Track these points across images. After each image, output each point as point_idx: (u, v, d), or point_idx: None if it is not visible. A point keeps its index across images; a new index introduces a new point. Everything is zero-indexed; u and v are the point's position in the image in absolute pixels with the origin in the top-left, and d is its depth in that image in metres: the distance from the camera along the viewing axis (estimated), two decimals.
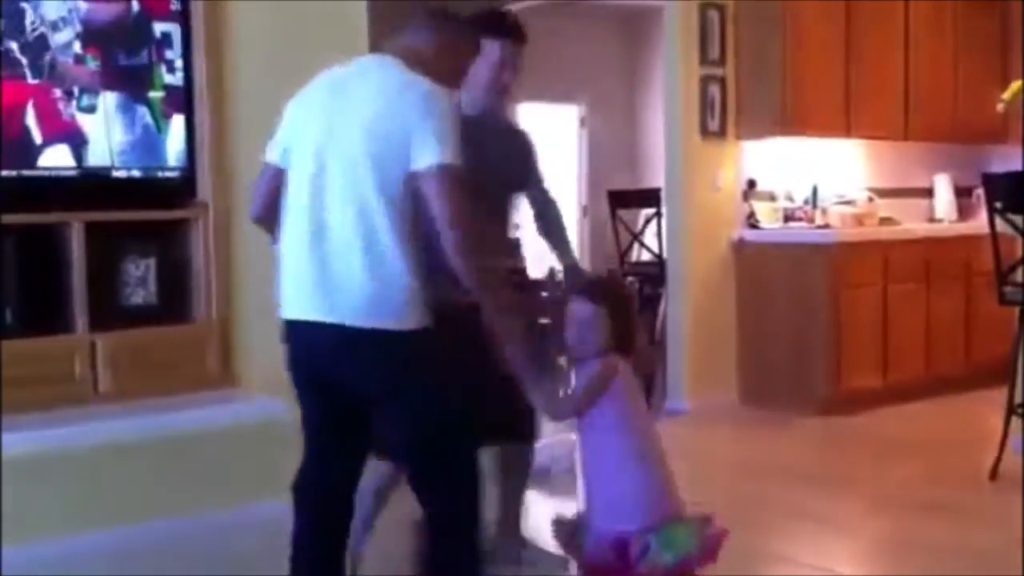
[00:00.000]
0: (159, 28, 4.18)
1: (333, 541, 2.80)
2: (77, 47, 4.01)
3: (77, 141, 4.03)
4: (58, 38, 3.96)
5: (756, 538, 3.89)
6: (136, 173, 4.17)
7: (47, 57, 3.94)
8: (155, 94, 4.19)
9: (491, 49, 3.28)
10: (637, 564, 2.59)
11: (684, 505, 2.73)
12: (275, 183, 2.76)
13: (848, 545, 4.12)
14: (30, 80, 3.91)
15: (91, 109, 4.04)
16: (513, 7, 8.32)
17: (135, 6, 4.12)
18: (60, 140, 3.99)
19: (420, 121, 2.50)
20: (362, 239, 2.52)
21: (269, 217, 2.80)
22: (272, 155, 2.79)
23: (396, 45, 2.73)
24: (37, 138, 3.94)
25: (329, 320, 2.55)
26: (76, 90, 4.00)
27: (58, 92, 3.96)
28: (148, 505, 4.01)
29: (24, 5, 3.89)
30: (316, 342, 2.61)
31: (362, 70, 2.71)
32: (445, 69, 2.71)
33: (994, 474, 4.68)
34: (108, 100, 4.08)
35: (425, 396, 2.59)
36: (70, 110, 4.00)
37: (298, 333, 2.65)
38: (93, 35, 4.03)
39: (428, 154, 2.49)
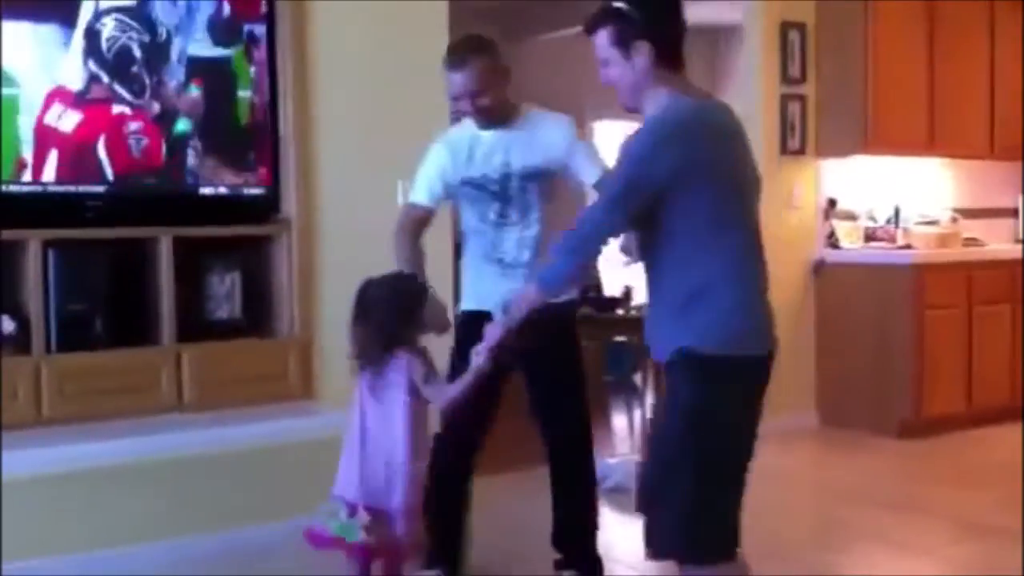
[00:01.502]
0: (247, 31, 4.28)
1: None
2: (180, 72, 4.13)
3: (166, 163, 4.15)
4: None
5: (837, 560, 3.85)
6: (222, 190, 4.27)
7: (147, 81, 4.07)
8: (242, 112, 4.29)
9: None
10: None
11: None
12: None
13: (927, 570, 4.05)
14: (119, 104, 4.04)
15: (183, 129, 4.16)
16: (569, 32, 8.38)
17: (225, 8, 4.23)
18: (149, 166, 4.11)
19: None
20: None
21: None
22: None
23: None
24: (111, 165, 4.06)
25: None
26: (165, 110, 4.12)
27: (151, 113, 4.08)
28: (229, 515, 4.09)
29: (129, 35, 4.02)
30: None
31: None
32: None
33: None
34: (195, 116, 4.19)
35: None
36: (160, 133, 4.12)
37: None
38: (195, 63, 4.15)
39: None
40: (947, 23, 6.47)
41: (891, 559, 4.08)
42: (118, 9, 4.00)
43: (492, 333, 2.86)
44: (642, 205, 2.59)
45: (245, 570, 3.88)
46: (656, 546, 2.65)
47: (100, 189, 4.01)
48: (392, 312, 2.97)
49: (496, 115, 3.42)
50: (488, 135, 3.45)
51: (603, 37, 2.72)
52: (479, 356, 2.89)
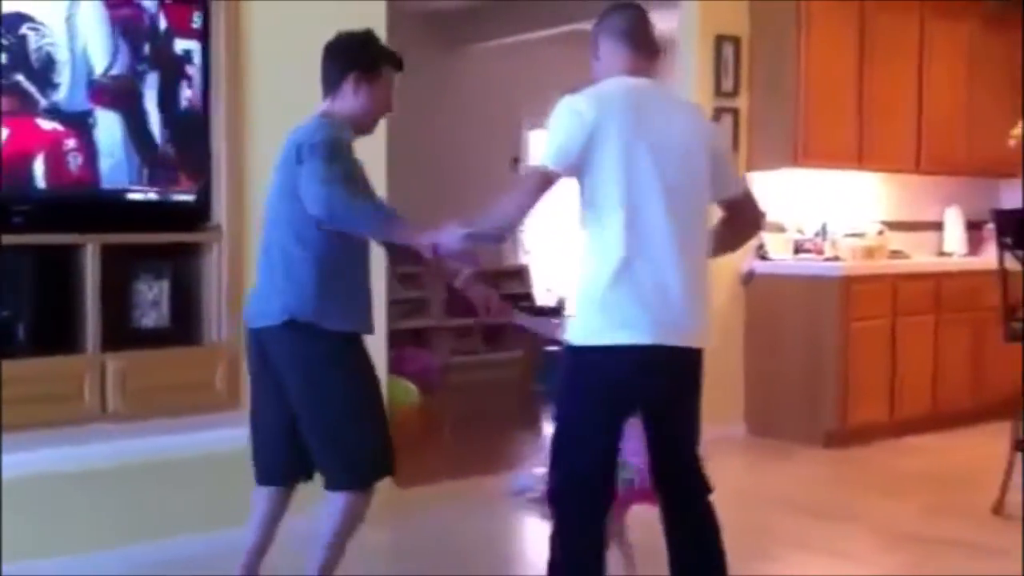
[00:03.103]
0: (180, 46, 4.23)
1: None
2: (99, 68, 4.06)
3: (93, 167, 4.08)
4: (83, 57, 4.02)
5: (763, 568, 3.89)
6: (152, 196, 4.21)
7: (60, 81, 3.99)
8: (173, 117, 4.24)
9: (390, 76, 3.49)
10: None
11: None
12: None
13: None
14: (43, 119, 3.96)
15: (107, 132, 4.09)
16: (521, 38, 8.43)
17: (161, 23, 4.17)
18: (81, 169, 4.05)
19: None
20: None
21: None
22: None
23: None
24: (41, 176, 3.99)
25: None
26: (94, 111, 4.05)
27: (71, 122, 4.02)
28: (153, 526, 4.04)
29: (32, 29, 3.95)
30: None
31: (656, 91, 2.96)
32: None
33: (999, 509, 4.67)
34: (118, 122, 4.13)
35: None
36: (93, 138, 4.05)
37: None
38: (115, 54, 4.08)
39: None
40: (878, 40, 6.59)
41: (817, 567, 4.13)
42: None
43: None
44: None
45: None
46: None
47: (27, 195, 3.94)
48: None
49: None
50: None
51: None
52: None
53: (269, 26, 4.48)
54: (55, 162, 3.98)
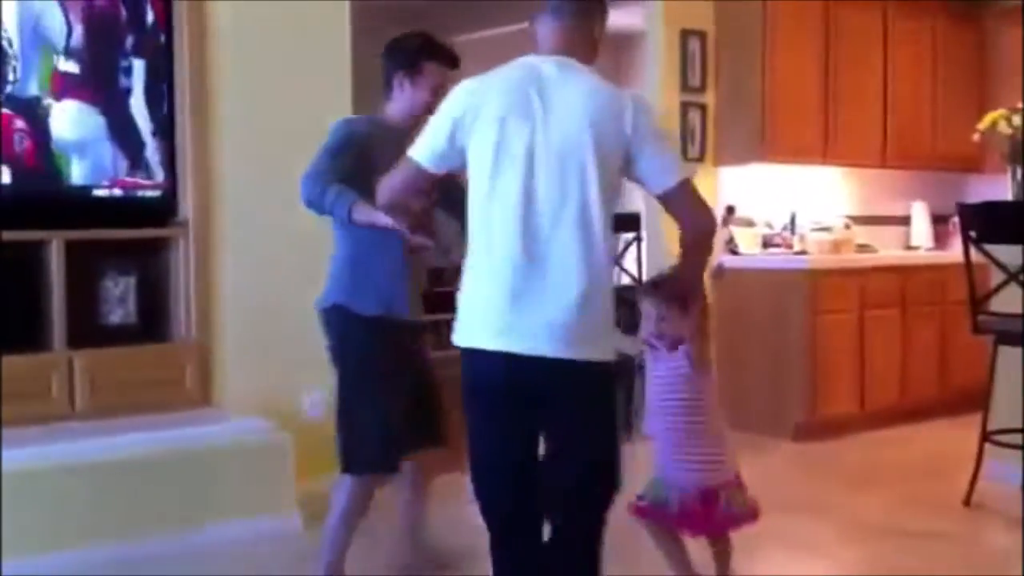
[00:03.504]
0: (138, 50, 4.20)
1: None
2: (59, 59, 4.02)
3: (56, 162, 4.04)
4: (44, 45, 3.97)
5: (733, 561, 3.89)
6: (117, 192, 4.17)
7: (15, 70, 3.95)
8: (136, 111, 4.21)
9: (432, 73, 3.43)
10: (721, 512, 3.30)
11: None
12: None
13: (823, 570, 4.13)
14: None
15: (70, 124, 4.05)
16: (492, 32, 8.38)
17: (123, 15, 4.13)
18: (41, 163, 4.00)
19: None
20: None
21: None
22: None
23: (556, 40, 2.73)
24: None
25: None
26: (52, 104, 4.01)
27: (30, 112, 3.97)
28: (122, 524, 3.99)
29: None
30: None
31: (558, 71, 2.65)
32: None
33: (968, 500, 4.71)
34: (88, 116, 4.09)
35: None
36: (49, 130, 4.01)
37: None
38: (76, 46, 4.04)
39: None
40: (843, 35, 6.63)
41: (787, 559, 4.15)
42: None
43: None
44: None
45: None
46: None
47: None
48: None
49: None
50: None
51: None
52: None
53: (234, 22, 4.45)
54: (11, 154, 3.93)
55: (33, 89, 3.99)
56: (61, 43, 4.02)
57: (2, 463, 3.60)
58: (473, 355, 2.62)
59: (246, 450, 4.12)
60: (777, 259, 6.44)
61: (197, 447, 4.09)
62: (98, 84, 4.11)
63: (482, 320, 2.59)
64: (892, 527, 4.49)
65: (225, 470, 4.11)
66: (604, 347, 2.62)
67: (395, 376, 3.36)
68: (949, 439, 5.90)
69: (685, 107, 6.30)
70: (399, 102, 3.43)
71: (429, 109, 3.07)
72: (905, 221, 7.53)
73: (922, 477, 5.31)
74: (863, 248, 6.89)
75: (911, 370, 6.56)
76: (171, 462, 4.08)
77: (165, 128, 4.28)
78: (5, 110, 3.92)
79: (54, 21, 4.00)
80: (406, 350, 3.42)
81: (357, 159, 3.23)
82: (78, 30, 4.05)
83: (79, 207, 4.10)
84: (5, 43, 3.91)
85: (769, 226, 6.69)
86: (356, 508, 3.37)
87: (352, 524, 3.40)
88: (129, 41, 4.17)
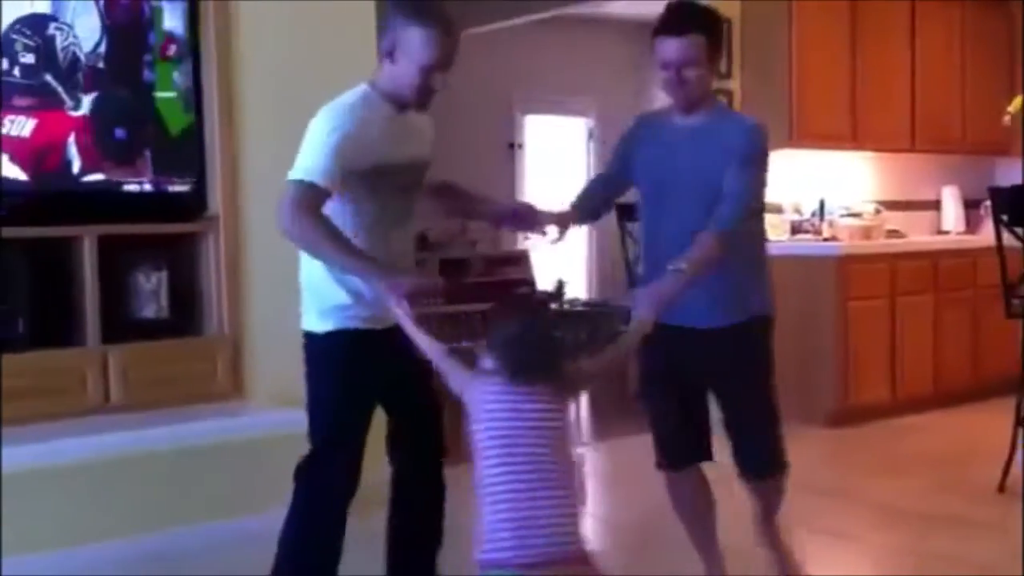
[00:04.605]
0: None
1: None
2: (87, 57, 4.06)
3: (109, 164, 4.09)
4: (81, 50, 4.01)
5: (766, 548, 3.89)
6: (147, 187, 4.21)
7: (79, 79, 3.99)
8: (167, 107, 4.24)
9: None
10: None
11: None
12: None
13: (855, 557, 4.12)
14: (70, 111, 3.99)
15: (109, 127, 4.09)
16: (519, 21, 8.38)
17: (146, 9, 4.16)
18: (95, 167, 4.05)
19: None
20: None
21: None
22: None
23: None
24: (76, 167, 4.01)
25: None
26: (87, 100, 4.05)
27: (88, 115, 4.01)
28: (156, 517, 4.04)
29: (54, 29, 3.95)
30: None
31: None
32: None
33: (1002, 486, 4.68)
34: (118, 111, 4.13)
35: None
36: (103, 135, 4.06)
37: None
38: (104, 40, 4.08)
39: None
40: (870, 18, 6.58)
41: (820, 546, 4.14)
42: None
43: (672, 287, 2.82)
44: None
45: (174, 571, 3.83)
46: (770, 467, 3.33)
47: (22, 187, 3.93)
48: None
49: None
50: (399, 117, 2.96)
51: (696, 39, 2.98)
52: (646, 309, 2.71)
53: (260, 16, 4.47)
54: (54, 154, 3.98)
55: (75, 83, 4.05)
56: (92, 38, 4.05)
57: (2, 463, 3.62)
58: None
59: (278, 442, 4.14)
60: (806, 245, 6.42)
61: (230, 439, 4.12)
62: (126, 79, 4.14)
63: None
64: (924, 513, 4.47)
65: (257, 462, 4.14)
66: None
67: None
68: (982, 425, 5.86)
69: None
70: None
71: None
72: (936, 206, 7.48)
73: (955, 463, 5.29)
74: (893, 234, 6.86)
75: (943, 355, 6.53)
76: (204, 454, 4.11)
77: (194, 124, 4.30)
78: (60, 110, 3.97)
79: (81, 15, 4.03)
80: None
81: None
82: (106, 24, 4.08)
83: (111, 203, 4.14)
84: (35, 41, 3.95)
85: (798, 212, 6.67)
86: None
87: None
88: (156, 36, 4.19)
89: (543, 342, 2.41)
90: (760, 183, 3.15)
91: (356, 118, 2.86)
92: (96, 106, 4.06)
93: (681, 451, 3.35)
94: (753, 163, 3.12)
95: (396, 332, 2.69)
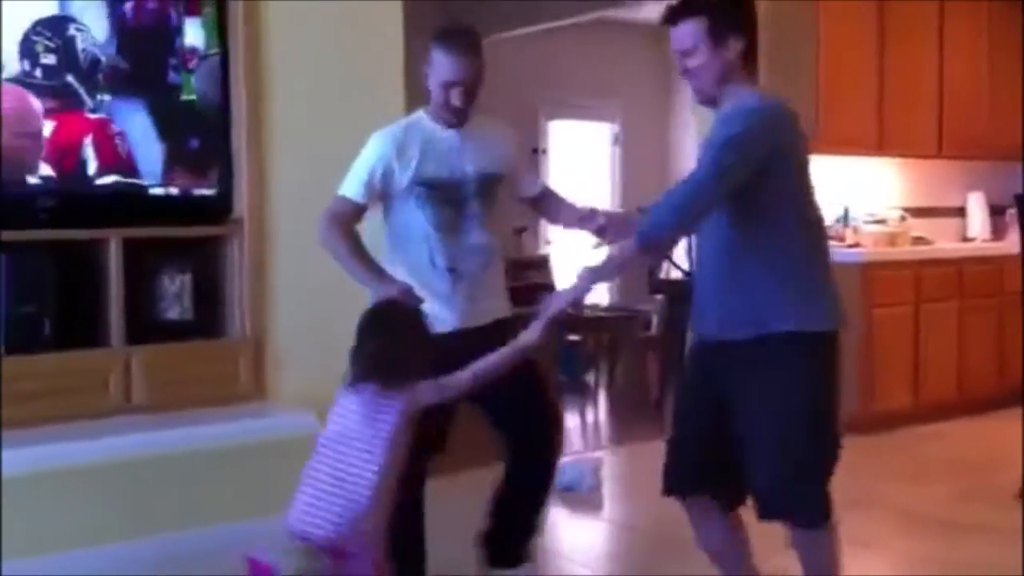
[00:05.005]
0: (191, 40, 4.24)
1: None
2: (111, 59, 4.08)
3: (126, 166, 4.12)
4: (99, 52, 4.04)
5: (788, 556, 3.88)
6: (173, 190, 4.23)
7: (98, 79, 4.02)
8: (190, 110, 4.26)
9: None
10: None
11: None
12: None
13: (878, 564, 4.10)
14: (88, 112, 4.01)
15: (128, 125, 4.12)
16: (544, 26, 8.39)
17: (173, 16, 4.18)
18: (112, 170, 4.08)
19: None
20: None
21: None
22: None
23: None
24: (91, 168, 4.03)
25: None
26: (109, 100, 4.07)
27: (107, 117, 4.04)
28: (177, 517, 4.05)
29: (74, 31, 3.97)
30: None
31: None
32: None
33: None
34: (143, 115, 4.15)
35: None
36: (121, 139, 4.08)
37: None
38: (129, 42, 4.10)
39: None
40: (896, 23, 6.55)
41: (843, 554, 4.12)
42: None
43: (557, 301, 2.82)
44: (741, 182, 2.69)
45: (194, 572, 3.85)
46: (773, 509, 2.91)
47: (51, 190, 3.96)
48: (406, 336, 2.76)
49: (466, 115, 3.33)
50: (447, 134, 3.32)
51: (692, 25, 2.78)
52: (532, 328, 2.79)
53: (288, 20, 4.49)
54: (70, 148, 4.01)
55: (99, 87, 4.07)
56: (115, 40, 4.08)
57: (2, 463, 3.65)
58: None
59: (300, 444, 4.15)
60: (830, 252, 6.37)
61: (251, 441, 4.14)
62: (152, 82, 4.17)
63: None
64: (947, 521, 4.45)
65: (279, 464, 4.14)
66: None
67: None
68: (1006, 432, 5.81)
69: None
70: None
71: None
72: (961, 212, 7.44)
73: (978, 471, 5.26)
74: (919, 240, 6.82)
75: (968, 363, 6.49)
76: (225, 456, 4.12)
77: (220, 127, 4.33)
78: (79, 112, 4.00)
79: (100, 16, 4.06)
80: None
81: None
82: (131, 27, 4.11)
83: (136, 206, 4.17)
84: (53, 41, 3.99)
85: None
86: None
87: None
88: (183, 39, 4.22)
89: (363, 341, 2.77)
90: (722, 177, 2.68)
91: (394, 139, 3.26)
92: (119, 108, 4.08)
93: (684, 473, 3.02)
94: (709, 155, 2.72)
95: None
